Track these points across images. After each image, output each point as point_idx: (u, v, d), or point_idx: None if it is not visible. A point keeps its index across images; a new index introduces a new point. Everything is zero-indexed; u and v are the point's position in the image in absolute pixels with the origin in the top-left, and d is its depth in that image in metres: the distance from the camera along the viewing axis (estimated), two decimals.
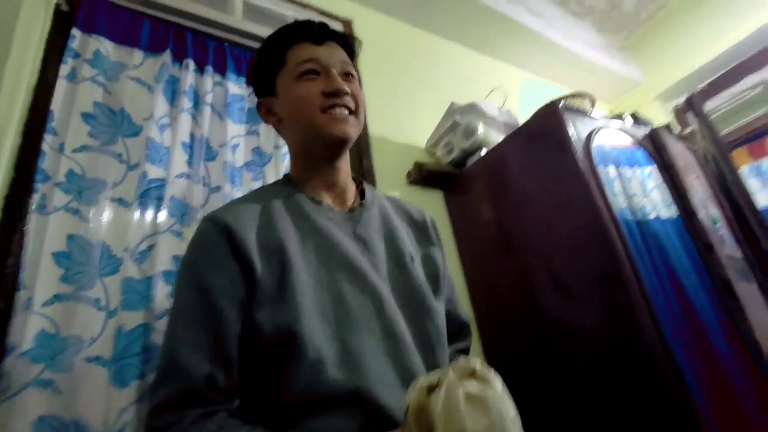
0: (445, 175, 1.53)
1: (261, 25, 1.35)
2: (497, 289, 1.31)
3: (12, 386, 0.71)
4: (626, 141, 1.31)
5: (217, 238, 0.58)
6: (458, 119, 1.49)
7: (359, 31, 1.70)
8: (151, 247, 0.92)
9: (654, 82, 2.69)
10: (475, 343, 1.32)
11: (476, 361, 0.44)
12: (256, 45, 1.33)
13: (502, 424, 0.39)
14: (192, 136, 1.08)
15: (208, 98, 1.12)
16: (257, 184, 1.12)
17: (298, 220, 0.65)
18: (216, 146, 1.12)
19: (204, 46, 1.19)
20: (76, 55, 1.00)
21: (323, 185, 0.71)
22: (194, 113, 1.10)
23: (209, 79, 1.15)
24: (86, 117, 0.96)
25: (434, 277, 0.73)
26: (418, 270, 0.70)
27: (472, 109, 1.51)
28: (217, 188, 1.06)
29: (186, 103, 1.07)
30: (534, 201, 1.23)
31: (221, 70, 1.20)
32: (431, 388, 0.42)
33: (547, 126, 1.21)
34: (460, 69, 2.07)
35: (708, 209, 1.35)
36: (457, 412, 0.38)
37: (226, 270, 0.57)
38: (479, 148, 1.47)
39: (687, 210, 1.22)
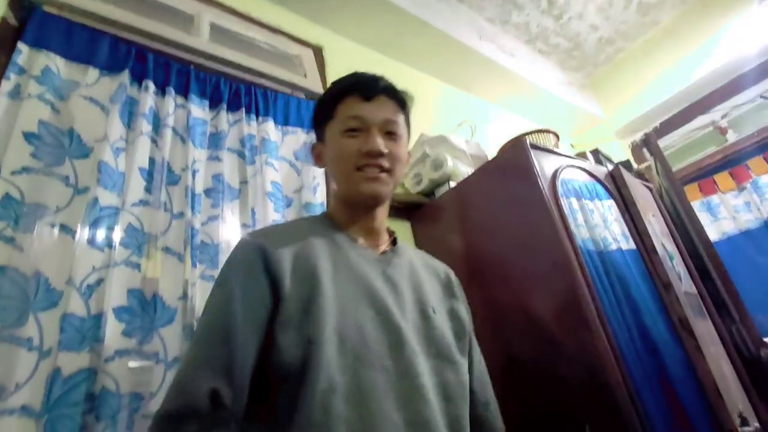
0: (414, 205, 1.53)
1: (228, 48, 1.32)
2: None
3: None
4: (586, 176, 1.35)
5: (252, 257, 0.61)
6: (427, 150, 1.50)
7: (329, 58, 1.69)
8: (100, 281, 0.84)
9: (612, 118, 2.83)
10: None
11: None
12: (222, 68, 1.29)
13: None
14: (152, 160, 1.02)
15: (170, 120, 1.07)
16: (216, 212, 1.07)
17: (333, 252, 0.67)
18: (178, 170, 1.06)
19: (166, 68, 1.14)
20: (22, 71, 0.93)
21: (359, 228, 0.75)
22: (154, 136, 1.05)
23: (171, 100, 1.10)
24: (29, 136, 0.88)
25: (459, 333, 0.74)
26: (442, 323, 0.71)
27: (442, 141, 1.52)
28: (180, 214, 1.00)
29: (145, 126, 1.02)
30: (501, 233, 1.24)
31: (184, 92, 1.15)
32: None
33: (516, 161, 1.23)
34: (430, 100, 2.10)
35: (665, 245, 1.39)
36: None
37: (256, 286, 0.59)
38: (448, 180, 1.48)
39: (647, 248, 1.26)
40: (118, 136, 0.98)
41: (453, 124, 1.86)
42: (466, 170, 1.50)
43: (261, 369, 0.56)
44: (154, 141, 1.04)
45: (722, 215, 2.58)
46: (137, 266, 0.90)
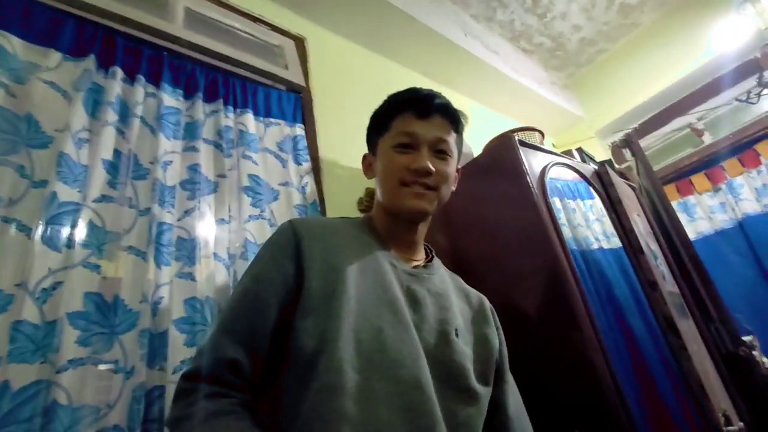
0: None
1: (204, 35, 1.25)
2: None
3: None
4: (570, 175, 1.34)
5: (285, 241, 0.65)
6: None
7: (312, 50, 1.64)
8: (57, 285, 0.77)
9: (593, 119, 2.86)
10: None
11: None
12: (198, 56, 1.23)
13: None
14: (117, 152, 0.95)
15: (138, 110, 1.00)
16: (191, 204, 1.01)
17: (363, 255, 0.68)
18: (146, 163, 0.99)
19: (137, 54, 1.07)
20: None
21: (397, 239, 0.76)
22: (120, 127, 0.98)
23: (141, 89, 1.03)
24: None
25: (485, 359, 0.72)
26: (464, 347, 0.69)
27: None
28: (147, 210, 0.93)
29: (111, 115, 0.95)
30: (489, 230, 1.21)
31: (155, 80, 1.08)
32: None
33: (504, 158, 1.20)
34: None
35: (649, 245, 1.39)
36: None
37: (282, 268, 0.62)
38: None
39: (633, 247, 1.25)
40: (81, 126, 0.91)
41: None
42: None
43: (272, 350, 0.58)
44: (120, 132, 0.98)
45: (698, 215, 2.63)
46: (96, 268, 0.83)
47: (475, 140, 1.82)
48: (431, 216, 0.78)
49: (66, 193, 0.83)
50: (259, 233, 1.08)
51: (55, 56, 0.94)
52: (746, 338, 1.60)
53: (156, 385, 0.81)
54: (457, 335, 0.68)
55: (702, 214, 2.61)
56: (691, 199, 2.67)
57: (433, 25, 1.97)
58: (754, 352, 1.53)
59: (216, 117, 1.18)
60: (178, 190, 1.01)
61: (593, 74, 2.89)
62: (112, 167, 0.93)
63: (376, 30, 1.89)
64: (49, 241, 0.78)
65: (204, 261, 0.96)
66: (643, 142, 2.47)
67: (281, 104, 1.35)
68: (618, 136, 2.45)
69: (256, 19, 1.50)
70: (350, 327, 0.58)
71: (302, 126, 1.38)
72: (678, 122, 2.59)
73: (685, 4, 2.45)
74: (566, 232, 1.15)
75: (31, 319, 0.71)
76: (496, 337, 0.78)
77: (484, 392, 0.68)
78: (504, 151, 1.21)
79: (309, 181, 1.28)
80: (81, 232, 0.82)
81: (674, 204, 2.62)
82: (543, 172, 1.18)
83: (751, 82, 2.30)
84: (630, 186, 1.71)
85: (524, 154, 1.18)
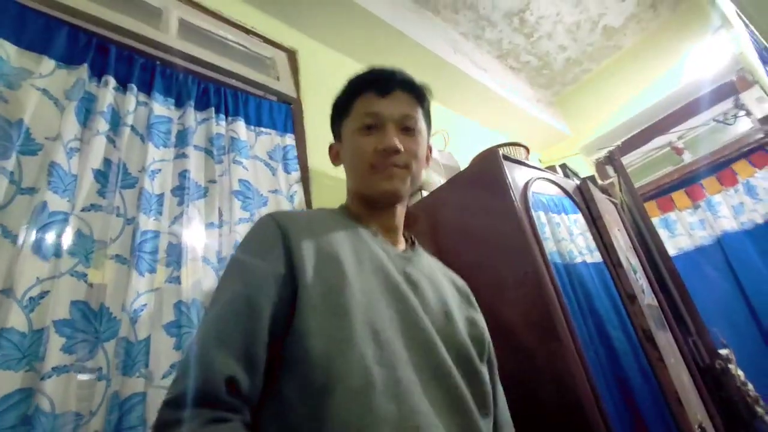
0: None
1: (197, 45, 1.27)
2: None
3: None
4: (554, 189, 1.38)
5: (273, 233, 0.59)
6: None
7: (304, 63, 1.67)
8: (45, 294, 0.77)
9: (578, 135, 2.93)
10: None
11: None
12: (190, 66, 1.24)
13: None
14: (107, 161, 0.96)
15: (129, 119, 1.01)
16: (181, 210, 1.01)
17: (355, 242, 0.65)
18: (135, 172, 1.00)
19: (129, 62, 1.08)
20: None
21: (378, 224, 0.73)
22: (111, 136, 0.98)
23: (132, 97, 1.04)
24: None
25: (479, 340, 0.70)
26: (463, 328, 0.67)
27: None
28: (133, 219, 0.94)
29: (102, 124, 0.95)
30: (473, 242, 1.23)
31: (147, 89, 1.09)
32: None
33: (488, 172, 1.23)
34: None
35: (629, 259, 1.43)
36: None
37: (274, 267, 0.56)
38: (420, 189, 1.47)
39: (613, 261, 1.28)
40: (73, 135, 0.92)
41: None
42: (438, 179, 1.49)
43: (274, 364, 0.52)
44: (111, 140, 0.98)
45: (678, 232, 2.69)
46: (83, 276, 0.83)
47: (463, 154, 1.86)
48: (407, 197, 0.75)
49: (56, 202, 0.83)
50: None
51: (49, 63, 0.95)
52: (723, 351, 1.64)
53: (135, 393, 0.81)
54: (454, 316, 0.67)
55: (682, 231, 2.68)
56: (672, 215, 2.74)
57: (422, 41, 2.02)
58: (729, 365, 1.57)
59: (207, 124, 1.19)
60: (168, 197, 1.02)
61: (578, 93, 2.98)
62: (102, 176, 0.93)
63: (367, 44, 1.93)
64: (38, 250, 0.78)
65: (191, 264, 0.96)
66: (626, 159, 2.54)
67: (272, 114, 1.37)
68: (601, 153, 2.53)
69: (248, 31, 1.53)
70: (363, 320, 0.54)
71: (292, 136, 1.40)
72: (659, 141, 2.68)
73: (663, 29, 2.55)
74: (550, 245, 1.18)
75: (18, 327, 0.71)
76: (483, 320, 0.77)
77: (485, 372, 0.66)
78: (489, 165, 1.24)
79: (298, 189, 1.29)
80: (69, 241, 0.82)
81: (655, 220, 2.69)
82: (526, 186, 1.21)
83: (728, 103, 2.40)
84: (612, 202, 1.75)
85: (508, 168, 1.22)
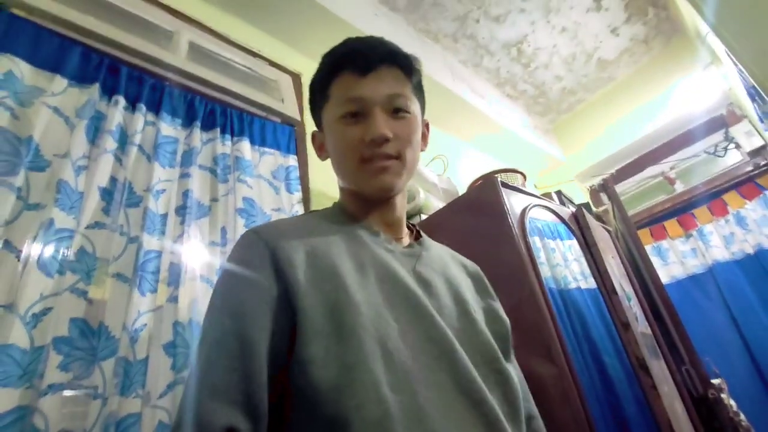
0: None
1: (206, 68, 1.30)
2: None
3: None
4: (550, 216, 1.41)
5: (260, 252, 0.52)
6: None
7: (308, 86, 1.70)
8: (48, 310, 0.77)
9: (573, 162, 2.99)
10: None
11: None
12: (198, 87, 1.27)
13: None
14: (113, 179, 0.97)
15: (137, 138, 1.03)
16: (182, 228, 1.02)
17: (354, 248, 0.57)
18: (140, 191, 1.01)
19: (140, 82, 1.11)
20: None
21: (378, 220, 0.65)
22: (119, 154, 1.00)
23: (141, 117, 1.06)
24: None
25: (502, 336, 0.64)
26: (483, 324, 0.60)
27: (415, 173, 1.54)
28: (137, 238, 0.94)
29: (110, 143, 0.97)
30: None
31: (156, 109, 1.12)
32: None
33: (487, 198, 1.26)
34: None
35: (623, 287, 1.45)
36: None
37: (266, 292, 0.49)
38: (419, 212, 1.49)
39: (607, 288, 1.30)
40: (81, 153, 0.93)
41: (426, 157, 1.90)
42: (437, 204, 1.52)
43: (282, 398, 0.47)
44: (118, 159, 1.00)
45: (671, 260, 2.73)
46: (84, 294, 0.83)
47: (461, 178, 1.90)
48: (405, 187, 0.67)
49: (62, 219, 0.84)
50: None
51: (61, 82, 0.98)
52: (715, 381, 1.64)
53: (131, 413, 0.80)
54: (475, 312, 0.60)
55: (675, 259, 2.72)
56: (664, 243, 2.78)
57: (423, 67, 2.08)
58: (722, 395, 1.57)
59: (213, 144, 1.21)
60: (172, 216, 1.03)
61: (573, 121, 3.05)
62: (107, 194, 0.95)
63: None
64: (43, 267, 0.79)
65: (189, 284, 0.97)
66: (619, 188, 2.59)
67: (276, 135, 1.40)
68: (596, 181, 2.58)
69: (255, 55, 1.57)
70: (374, 340, 0.47)
71: (295, 157, 1.43)
72: (652, 170, 2.74)
73: (655, 63, 2.64)
74: (545, 270, 1.19)
75: (19, 344, 0.71)
76: (500, 307, 0.70)
77: (512, 371, 0.59)
78: (487, 191, 1.27)
79: (300, 209, 1.31)
80: (72, 258, 0.83)
81: (648, 248, 2.72)
82: (523, 213, 1.23)
83: (718, 136, 2.47)
84: (606, 229, 1.78)
85: (506, 195, 1.24)
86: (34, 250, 0.79)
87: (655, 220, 2.80)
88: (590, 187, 2.69)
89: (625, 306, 1.30)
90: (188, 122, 1.18)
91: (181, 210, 1.05)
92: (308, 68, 1.78)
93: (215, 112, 1.25)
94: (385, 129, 0.59)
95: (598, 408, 1.03)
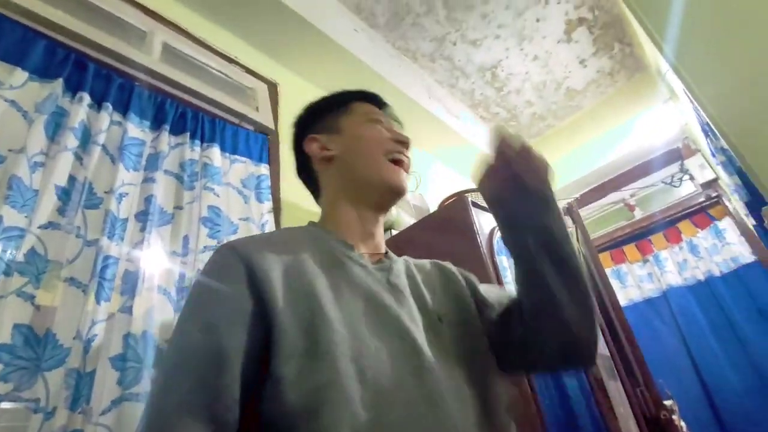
0: None
1: (179, 70, 1.27)
2: None
3: None
4: None
5: (235, 266, 0.51)
6: None
7: (284, 96, 1.70)
8: None
9: None
10: None
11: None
12: (170, 89, 1.24)
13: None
14: (72, 179, 0.93)
15: (101, 138, 0.99)
16: (142, 236, 0.98)
17: (329, 265, 0.58)
18: (100, 192, 0.97)
19: (108, 80, 1.07)
20: None
21: (360, 233, 0.67)
22: (79, 153, 0.96)
23: (107, 116, 1.02)
24: None
25: (463, 308, 0.66)
26: (449, 324, 0.62)
27: None
28: (95, 241, 0.90)
29: (71, 140, 0.93)
30: None
31: (123, 109, 1.08)
32: None
33: (457, 216, 1.27)
34: None
35: None
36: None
37: (241, 307, 0.49)
38: (390, 227, 1.49)
39: None
40: (39, 149, 0.89)
41: None
42: (408, 220, 1.53)
43: (251, 416, 0.46)
44: (78, 158, 0.95)
45: (629, 283, 2.84)
46: (31, 298, 0.78)
47: (433, 195, 1.92)
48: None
49: (12, 217, 0.79)
50: None
51: (21, 75, 0.93)
52: (667, 402, 1.70)
53: (75, 429, 0.75)
54: (440, 320, 0.61)
55: (632, 282, 2.83)
56: (624, 267, 2.89)
57: (400, 84, 2.11)
58: (673, 416, 1.63)
59: (181, 149, 1.18)
60: (132, 222, 0.99)
61: (542, 146, 3.15)
62: (64, 193, 0.90)
63: (348, 84, 1.98)
64: None
65: (145, 294, 0.92)
66: (583, 212, 2.68)
67: (249, 143, 1.38)
68: (561, 204, 2.66)
69: (231, 61, 1.55)
70: (348, 359, 0.48)
71: (267, 166, 1.40)
72: (613, 196, 2.86)
73: (620, 95, 2.77)
74: (511, 289, 1.22)
75: None
76: (464, 282, 0.71)
77: (485, 363, 0.61)
78: (458, 209, 1.29)
79: (269, 219, 1.29)
80: (20, 259, 0.78)
81: (608, 270, 2.83)
82: (492, 232, 1.26)
83: (675, 167, 2.61)
84: None
85: (476, 214, 1.27)
86: None
87: (615, 244, 2.92)
88: None
89: None
90: (157, 125, 1.14)
91: (142, 216, 1.01)
92: (285, 78, 1.78)
93: (186, 116, 1.22)
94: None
95: (556, 428, 1.05)
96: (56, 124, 0.94)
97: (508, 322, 0.64)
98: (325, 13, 1.81)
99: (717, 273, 2.48)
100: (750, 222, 2.01)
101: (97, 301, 0.83)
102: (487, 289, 0.73)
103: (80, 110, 0.98)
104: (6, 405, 0.72)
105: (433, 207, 1.52)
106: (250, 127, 1.46)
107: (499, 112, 2.81)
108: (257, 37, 1.70)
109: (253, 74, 1.61)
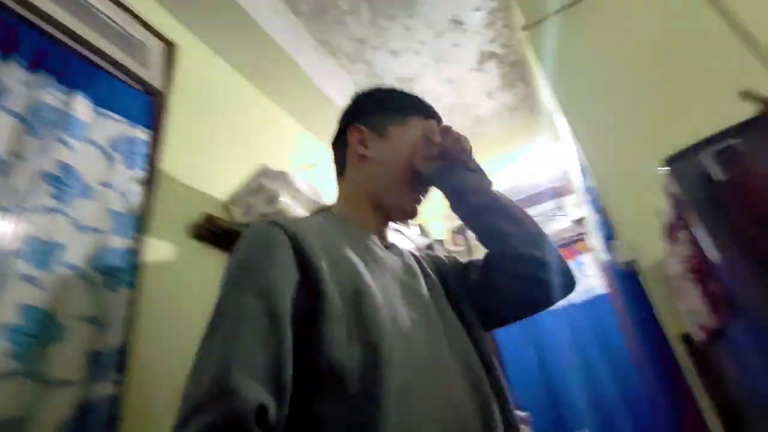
0: (237, 234, 1.41)
1: (64, 11, 1.09)
2: None
3: None
4: (411, 244, 1.47)
5: (281, 239, 0.54)
6: (265, 183, 1.44)
7: (183, 60, 1.55)
8: None
9: (442, 203, 3.23)
10: None
11: None
12: (27, 14, 1.05)
13: None
14: None
15: None
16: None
17: (356, 246, 0.63)
18: None
19: None
20: None
21: (375, 225, 0.72)
22: None
23: None
24: None
25: (457, 272, 0.76)
26: (446, 304, 0.68)
27: (282, 177, 1.48)
28: None
29: None
30: None
31: None
32: None
33: None
34: (279, 135, 2.08)
35: None
36: None
37: (290, 275, 0.51)
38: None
39: None
40: None
41: (296, 165, 1.86)
42: (301, 212, 1.47)
43: (305, 378, 0.48)
44: None
45: None
46: None
47: (331, 191, 1.88)
48: None
49: None
50: (49, 230, 0.91)
51: None
52: (521, 414, 1.85)
53: None
54: (442, 298, 0.69)
55: None
56: None
57: (314, 77, 2.07)
58: (525, 426, 1.77)
59: (35, 89, 1.00)
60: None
61: None
62: None
63: (257, 61, 1.89)
64: None
65: None
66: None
67: (126, 100, 1.22)
68: (455, 223, 2.81)
69: (126, 9, 1.37)
70: (389, 321, 0.53)
71: (147, 130, 1.25)
72: None
73: (519, 129, 3.02)
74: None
75: None
76: (434, 263, 0.78)
77: (478, 327, 0.68)
78: None
79: (136, 189, 1.14)
80: None
81: None
82: None
83: (555, 202, 2.91)
84: None
85: None
86: None
87: None
88: (450, 228, 2.93)
89: None
90: (4, 54, 0.96)
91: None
92: (186, 40, 1.63)
93: (47, 52, 1.03)
94: None
95: None
96: None
97: (487, 270, 0.72)
98: None
99: (577, 300, 2.80)
100: (605, 257, 2.30)
101: None
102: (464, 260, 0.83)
103: None
104: None
105: (328, 202, 1.48)
106: (137, 85, 1.30)
107: None
108: None
109: (149, 29, 1.44)
